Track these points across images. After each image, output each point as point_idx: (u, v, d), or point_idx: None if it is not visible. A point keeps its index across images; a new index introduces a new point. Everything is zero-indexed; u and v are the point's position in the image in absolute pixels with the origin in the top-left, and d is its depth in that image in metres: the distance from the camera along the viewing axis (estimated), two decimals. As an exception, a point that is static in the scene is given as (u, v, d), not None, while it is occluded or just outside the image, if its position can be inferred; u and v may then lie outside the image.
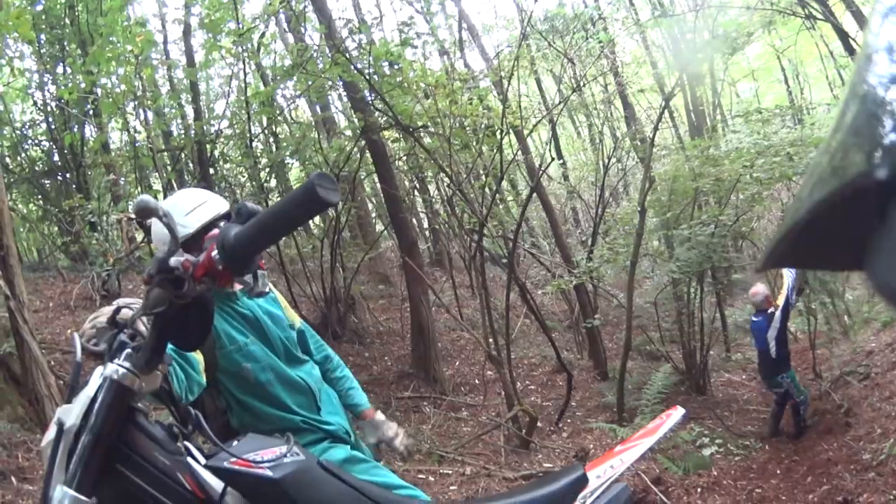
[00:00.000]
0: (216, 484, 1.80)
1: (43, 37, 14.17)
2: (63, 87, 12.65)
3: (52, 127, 15.02)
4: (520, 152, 14.12)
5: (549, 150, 15.95)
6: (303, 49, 10.96)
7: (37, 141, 15.89)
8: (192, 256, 1.67)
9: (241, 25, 11.12)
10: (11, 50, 13.71)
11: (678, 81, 14.69)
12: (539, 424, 9.51)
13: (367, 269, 15.68)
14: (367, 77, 9.82)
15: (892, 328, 11.04)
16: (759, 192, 10.55)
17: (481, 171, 11.85)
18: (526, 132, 13.57)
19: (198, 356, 2.61)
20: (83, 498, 1.60)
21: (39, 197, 15.59)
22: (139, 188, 15.30)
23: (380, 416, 3.33)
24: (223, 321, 2.91)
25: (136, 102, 13.41)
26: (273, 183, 15.39)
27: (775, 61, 24.88)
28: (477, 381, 11.95)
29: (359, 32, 10.55)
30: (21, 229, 15.35)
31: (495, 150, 10.53)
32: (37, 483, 5.46)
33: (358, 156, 12.24)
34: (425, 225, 20.80)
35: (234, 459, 1.83)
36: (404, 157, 13.93)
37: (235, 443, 1.94)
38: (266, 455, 1.87)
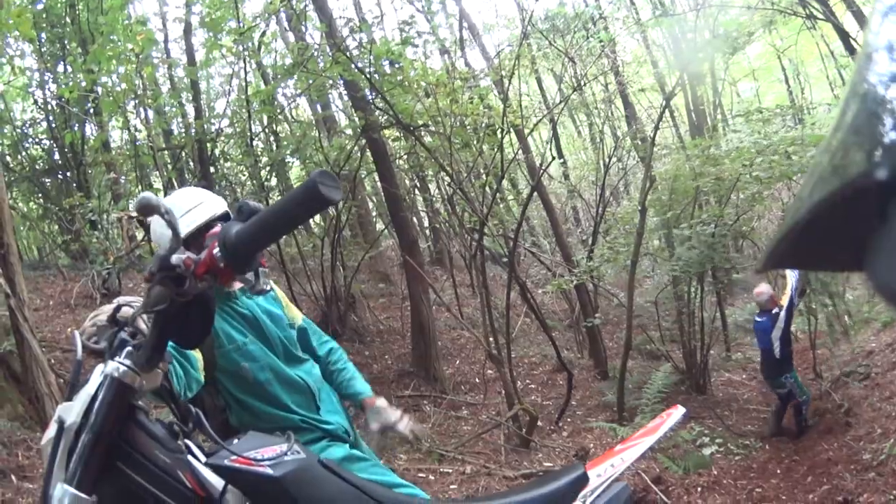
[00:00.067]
0: (217, 482, 1.80)
1: (44, 35, 14.17)
2: (64, 86, 12.63)
3: (53, 125, 15.02)
4: (520, 151, 14.13)
5: (550, 150, 15.96)
6: (303, 48, 10.96)
7: (37, 139, 15.90)
8: (193, 254, 1.67)
9: (241, 24, 11.12)
10: (12, 48, 13.70)
11: (679, 81, 14.69)
12: (539, 423, 9.51)
13: (367, 267, 15.67)
14: (368, 76, 9.82)
15: (893, 328, 11.05)
16: (760, 191, 10.55)
17: (482, 170, 11.85)
18: (527, 131, 13.57)
19: (196, 354, 2.61)
20: (83, 496, 1.60)
21: (40, 195, 15.59)
22: (140, 187, 15.29)
23: (382, 402, 3.28)
24: (222, 320, 2.91)
25: (137, 101, 13.41)
26: (274, 182, 15.38)
27: (776, 61, 24.86)
28: (477, 380, 11.95)
29: (359, 31, 10.55)
30: (21, 228, 15.36)
31: (496, 149, 10.53)
32: (37, 481, 5.46)
33: (358, 154, 12.23)
34: (426, 224, 20.80)
35: (234, 457, 1.82)
36: (405, 156, 13.93)
37: (236, 441, 1.94)
38: (267, 453, 1.86)
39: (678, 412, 3.13)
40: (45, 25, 13.99)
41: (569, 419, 10.32)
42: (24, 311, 6.33)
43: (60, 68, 14.68)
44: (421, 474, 7.43)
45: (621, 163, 19.01)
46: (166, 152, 15.20)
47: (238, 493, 1.81)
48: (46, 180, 15.54)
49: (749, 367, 12.87)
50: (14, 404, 6.66)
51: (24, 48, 14.18)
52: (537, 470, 7.79)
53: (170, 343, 1.83)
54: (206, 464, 1.82)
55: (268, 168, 14.43)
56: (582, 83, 15.75)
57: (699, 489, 7.31)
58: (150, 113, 14.53)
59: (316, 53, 10.96)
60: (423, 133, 11.10)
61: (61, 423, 1.68)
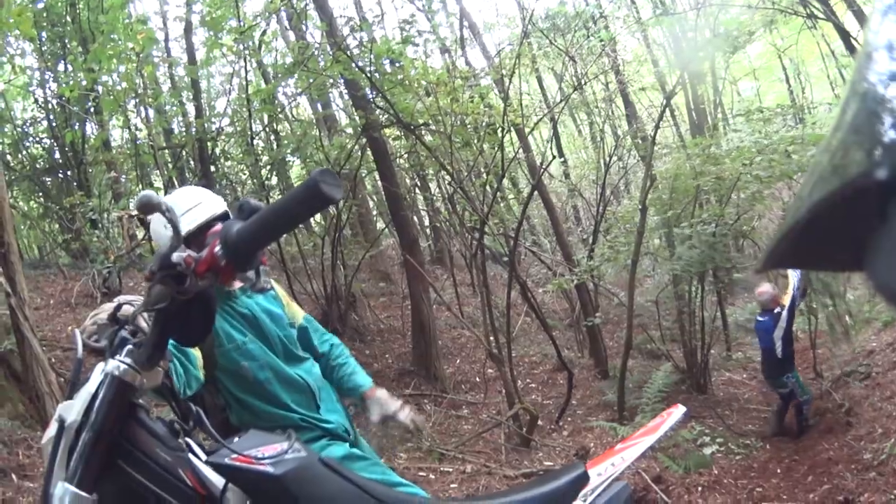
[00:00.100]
0: (217, 480, 1.80)
1: (44, 34, 14.18)
2: (64, 85, 12.63)
3: (54, 124, 15.03)
4: (521, 150, 14.12)
5: (551, 149, 15.95)
6: (304, 47, 10.95)
7: (38, 138, 15.92)
8: (194, 252, 1.67)
9: (242, 23, 11.12)
10: (13, 47, 13.70)
11: (679, 80, 14.69)
12: (540, 423, 9.51)
13: (367, 266, 15.67)
14: (369, 75, 9.82)
15: (893, 328, 11.04)
16: (760, 190, 10.54)
17: (482, 169, 11.84)
18: (527, 130, 13.56)
19: (196, 352, 2.62)
20: (84, 494, 1.60)
21: (40, 194, 15.60)
22: (140, 186, 15.32)
23: (383, 392, 3.26)
24: (222, 320, 2.91)
25: (138, 100, 13.42)
26: (274, 181, 15.40)
27: (776, 60, 24.89)
28: (478, 379, 11.95)
29: (360, 30, 10.55)
30: (22, 227, 15.38)
31: (496, 148, 10.53)
32: (37, 480, 5.46)
33: (359, 153, 12.23)
34: (426, 223, 20.81)
35: (235, 456, 1.82)
36: (405, 155, 13.94)
37: (237, 439, 1.94)
38: (267, 451, 1.86)
39: (679, 411, 3.13)
40: (45, 24, 14.00)
41: (569, 418, 10.32)
42: (24, 309, 6.33)
43: (61, 67, 14.69)
44: (421, 473, 7.43)
45: (622, 162, 19.02)
46: (167, 151, 15.21)
47: (239, 491, 1.81)
48: (47, 179, 15.56)
49: (750, 367, 12.86)
50: (14, 403, 6.66)
51: (24, 47, 14.20)
52: (538, 469, 7.79)
53: (170, 341, 1.84)
54: (206, 462, 1.82)
55: (268, 167, 14.43)
56: (582, 82, 15.74)
57: (700, 488, 7.31)
58: (151, 112, 14.55)
59: (316, 52, 10.96)
60: (423, 132, 11.10)
61: (62, 421, 1.68)
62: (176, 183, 13.52)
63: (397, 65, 10.70)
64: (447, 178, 12.18)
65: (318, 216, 14.26)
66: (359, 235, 16.01)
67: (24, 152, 15.50)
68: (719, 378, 12.54)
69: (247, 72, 12.04)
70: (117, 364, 1.72)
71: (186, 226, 2.78)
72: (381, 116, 10.96)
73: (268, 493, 1.83)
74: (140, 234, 10.64)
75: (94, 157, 14.33)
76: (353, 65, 9.72)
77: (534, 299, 11.84)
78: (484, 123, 11.62)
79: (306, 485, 1.87)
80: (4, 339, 6.87)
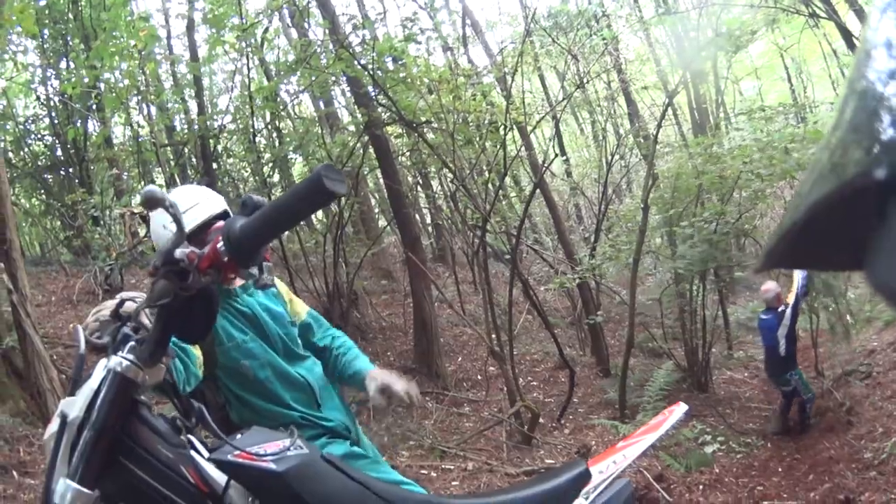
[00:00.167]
0: (219, 477, 1.80)
1: (46, 31, 14.20)
2: (66, 82, 12.67)
3: (56, 122, 15.06)
4: (523, 148, 14.11)
5: (553, 147, 15.94)
6: (306, 44, 10.95)
7: (40, 135, 15.94)
8: (196, 248, 1.67)
9: (244, 21, 11.12)
10: (15, 45, 13.72)
11: (682, 79, 14.68)
12: (541, 420, 9.51)
13: (369, 264, 15.68)
14: (371, 72, 9.82)
15: (894, 327, 11.05)
16: (762, 189, 10.55)
17: (484, 167, 11.84)
18: (529, 128, 13.54)
19: (196, 350, 2.62)
20: (86, 491, 1.59)
21: (42, 191, 15.63)
22: (142, 183, 15.29)
23: (381, 370, 3.25)
24: (222, 318, 2.90)
25: (140, 97, 13.45)
26: (276, 178, 15.41)
27: (779, 59, 24.92)
28: (479, 377, 11.95)
29: (362, 28, 10.54)
30: (24, 224, 15.40)
31: (499, 146, 10.54)
32: (38, 477, 5.47)
33: (361, 151, 12.23)
34: (428, 220, 20.78)
35: (237, 452, 1.82)
36: (408, 153, 13.94)
37: (239, 436, 1.94)
38: (269, 448, 1.86)
39: (680, 409, 3.13)
40: (47, 21, 14.03)
41: (571, 416, 10.32)
42: (26, 306, 6.34)
43: (63, 64, 14.73)
44: (423, 471, 7.43)
45: (624, 160, 19.03)
46: (169, 148, 15.24)
47: (241, 488, 1.81)
48: (49, 176, 15.58)
49: (751, 366, 12.87)
50: (16, 400, 6.66)
51: (26, 44, 14.24)
52: (539, 467, 7.78)
53: (172, 338, 1.84)
54: (208, 459, 1.82)
55: (270, 164, 14.44)
56: (585, 81, 15.72)
57: (701, 487, 7.32)
58: (153, 109, 14.59)
59: (319, 50, 10.96)
60: (425, 130, 11.11)
61: (64, 417, 1.68)
62: (178, 180, 13.55)
63: (400, 62, 10.71)
64: (449, 175, 12.19)
65: (320, 213, 14.28)
66: (361, 233, 16.00)
67: (27, 149, 15.53)
68: (720, 376, 12.54)
69: (249, 69, 12.06)
70: (120, 360, 1.72)
71: (186, 225, 2.78)
72: (383, 114, 10.96)
73: (270, 490, 1.83)
74: (142, 231, 10.66)
75: (96, 154, 14.35)
76: (356, 62, 9.72)
77: (535, 297, 11.84)
78: (486, 121, 11.62)
79: (308, 482, 1.87)
80: (6, 335, 6.87)
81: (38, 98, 15.59)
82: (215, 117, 13.42)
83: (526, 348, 13.66)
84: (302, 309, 3.31)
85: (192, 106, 15.19)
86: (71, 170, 14.96)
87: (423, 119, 10.69)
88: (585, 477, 2.42)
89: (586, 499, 2.41)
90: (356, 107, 12.40)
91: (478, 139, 11.25)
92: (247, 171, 15.63)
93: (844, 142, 0.44)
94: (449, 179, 13.66)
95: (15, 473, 5.59)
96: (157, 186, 1.76)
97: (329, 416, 3.04)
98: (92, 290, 11.40)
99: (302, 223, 13.10)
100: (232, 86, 13.57)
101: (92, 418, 1.66)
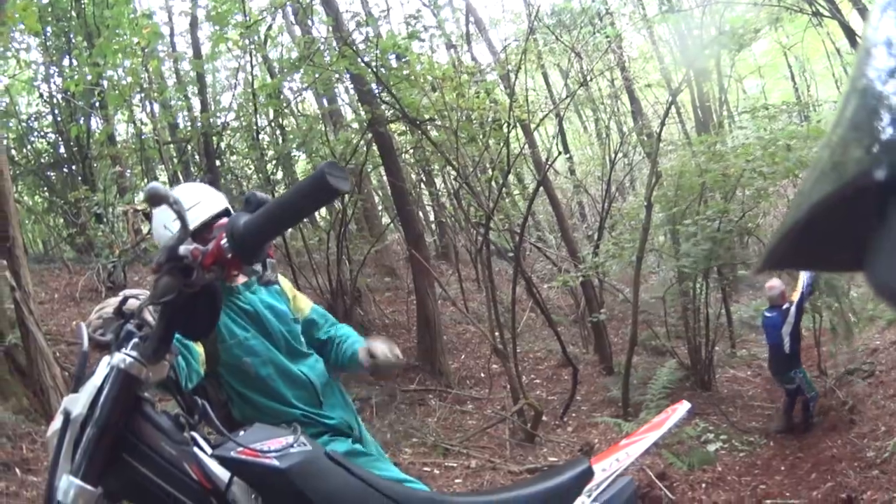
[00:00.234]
0: (222, 474, 1.80)
1: (49, 29, 14.22)
2: (69, 79, 12.67)
3: (59, 119, 15.08)
4: (526, 146, 14.10)
5: (556, 145, 16.02)
6: (310, 41, 10.95)
7: (43, 133, 15.96)
8: (200, 245, 1.67)
9: (247, 18, 11.12)
10: (18, 42, 13.74)
11: (685, 77, 14.69)
12: (544, 418, 9.51)
13: (373, 261, 15.68)
14: (374, 70, 9.82)
15: (897, 326, 11.05)
16: (765, 187, 10.55)
17: (488, 165, 11.85)
18: (533, 126, 13.55)
19: (198, 347, 2.63)
20: (89, 487, 1.60)
21: (45, 189, 15.65)
22: (145, 180, 15.33)
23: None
24: (224, 315, 2.89)
25: (143, 94, 13.48)
26: (279, 175, 15.41)
27: (782, 58, 24.91)
28: (482, 375, 11.95)
29: (366, 25, 10.54)
30: (27, 221, 15.41)
31: (502, 144, 10.53)
32: (41, 474, 5.47)
33: (364, 148, 12.23)
34: (431, 218, 20.76)
35: (240, 449, 1.83)
36: (411, 150, 13.93)
37: (242, 433, 1.95)
38: (273, 445, 1.86)
39: (683, 407, 3.12)
40: (50, 19, 14.05)
41: (574, 414, 10.32)
42: (29, 303, 6.35)
43: (66, 62, 14.74)
44: (426, 468, 7.44)
45: (627, 158, 19.06)
46: (172, 146, 15.25)
47: (244, 484, 1.81)
48: (52, 174, 15.60)
49: (754, 364, 12.85)
50: (19, 397, 6.66)
51: (29, 42, 14.26)
52: (542, 464, 7.79)
53: (175, 335, 1.84)
54: (212, 455, 1.83)
55: (274, 161, 14.45)
56: (588, 78, 15.71)
57: (703, 485, 7.32)
58: (156, 106, 14.58)
59: (322, 47, 10.96)
60: (429, 127, 11.10)
61: (67, 414, 1.68)
62: (181, 177, 13.56)
63: (403, 60, 10.71)
64: (453, 173, 12.16)
65: (323, 211, 14.29)
66: (364, 230, 16.00)
67: (29, 147, 15.55)
68: (723, 375, 12.53)
69: (252, 66, 12.07)
70: (123, 357, 1.73)
71: (191, 222, 2.78)
72: (386, 111, 10.98)
73: (273, 487, 1.84)
74: (145, 228, 10.69)
75: (100, 151, 14.38)
76: (359, 60, 9.72)
77: (539, 295, 11.84)
78: (490, 119, 11.60)
79: (311, 479, 1.87)
80: (9, 332, 6.87)
81: (41, 95, 15.61)
82: (218, 114, 13.42)
83: (529, 346, 13.65)
84: (306, 305, 3.31)
85: (196, 103, 15.22)
86: (74, 167, 14.98)
87: (427, 116, 10.69)
88: (588, 475, 2.42)
89: (589, 496, 2.41)
90: (359, 104, 12.41)
91: (481, 137, 11.23)
92: (250, 169, 15.64)
93: (845, 140, 0.44)
94: (452, 177, 13.62)
95: (18, 471, 5.60)
96: (160, 183, 1.76)
97: (331, 414, 3.05)
98: (95, 288, 11.40)
99: (305, 220, 13.08)
100: (235, 83, 13.57)
101: (95, 415, 1.66)
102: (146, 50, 11.62)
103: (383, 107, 10.83)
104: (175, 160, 14.66)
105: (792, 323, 9.39)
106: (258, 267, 1.75)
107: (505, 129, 10.35)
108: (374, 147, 12.11)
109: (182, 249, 1.65)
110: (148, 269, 12.23)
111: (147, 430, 1.75)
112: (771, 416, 10.14)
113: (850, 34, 11.29)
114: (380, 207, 18.34)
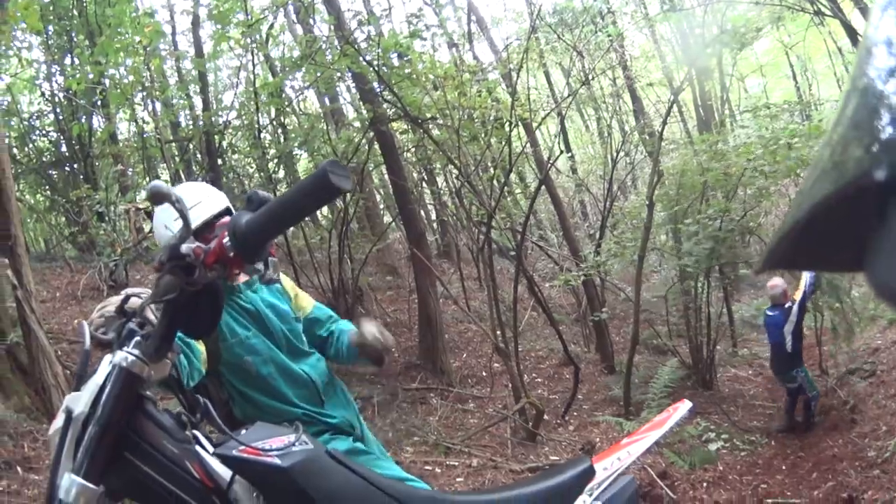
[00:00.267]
0: (224, 472, 1.80)
1: (51, 27, 14.22)
2: (71, 78, 12.67)
3: (60, 117, 15.08)
4: (528, 145, 14.09)
5: (558, 143, 15.98)
6: (311, 40, 10.94)
7: (44, 131, 15.97)
8: (202, 244, 1.67)
9: (249, 16, 11.11)
10: (19, 41, 13.73)
11: (687, 76, 14.69)
12: (546, 417, 9.51)
13: (374, 260, 15.68)
14: (376, 69, 9.81)
15: (898, 326, 11.05)
16: (766, 186, 10.55)
17: (490, 164, 11.84)
18: (535, 125, 13.55)
19: (199, 346, 2.63)
20: (91, 486, 1.60)
21: (47, 187, 15.64)
22: (147, 178, 15.34)
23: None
24: (225, 314, 2.90)
25: (145, 93, 13.47)
26: (281, 174, 15.40)
27: (784, 57, 24.92)
28: (484, 374, 11.95)
29: (368, 24, 10.55)
30: (28, 219, 15.42)
31: (504, 143, 10.52)
32: (42, 473, 5.47)
33: (366, 147, 12.22)
34: (433, 217, 20.74)
35: (242, 447, 1.83)
36: (413, 149, 13.91)
37: (244, 431, 1.95)
38: (274, 443, 1.87)
39: (685, 406, 3.12)
40: (52, 18, 14.04)
41: (575, 413, 10.32)
42: (31, 302, 6.35)
43: (68, 60, 14.73)
44: (427, 467, 7.44)
45: (629, 157, 19.03)
46: (174, 144, 15.24)
47: (246, 483, 1.82)
48: (53, 172, 15.60)
49: (755, 363, 12.86)
50: (20, 396, 6.66)
51: (31, 40, 14.24)
52: (544, 463, 7.79)
53: (177, 333, 1.84)
54: (214, 454, 1.83)
55: (275, 160, 14.46)
56: (590, 77, 15.70)
57: (705, 484, 7.32)
58: (158, 105, 14.56)
59: (324, 46, 10.95)
60: (431, 126, 11.08)
61: (69, 412, 1.68)
62: (183, 176, 13.56)
63: (405, 59, 10.69)
64: (454, 172, 12.16)
65: (325, 209, 14.29)
66: (366, 229, 15.99)
67: (31, 145, 15.56)
68: (725, 374, 12.54)
69: (254, 65, 12.04)
70: (125, 356, 1.73)
71: (193, 221, 2.78)
72: (388, 110, 10.96)
73: (275, 485, 1.84)
74: (147, 227, 10.69)
75: (101, 150, 14.38)
76: (361, 58, 9.71)
77: (540, 294, 11.85)
78: (491, 118, 11.59)
79: (313, 477, 1.87)
80: (11, 331, 6.87)
81: (42, 94, 15.61)
82: (220, 113, 13.40)
83: (531, 345, 13.65)
84: (308, 303, 3.31)
85: (197, 102, 15.20)
86: (76, 166, 14.98)
87: (429, 115, 10.67)
88: (589, 473, 2.43)
89: (590, 495, 2.41)
90: (361, 103, 12.41)
91: (483, 135, 11.21)
92: (252, 167, 15.66)
93: (846, 139, 0.44)
94: (454, 176, 13.62)
95: (19, 469, 5.59)
96: (162, 182, 1.76)
97: (333, 413, 3.05)
98: (97, 286, 11.41)
99: (307, 219, 13.08)
100: (237, 82, 13.58)
101: (97, 414, 1.66)
102: (148, 48, 11.59)
103: (385, 105, 10.82)
104: (177, 159, 14.66)
105: (794, 321, 9.38)
106: (260, 266, 1.75)
107: (507, 128, 10.34)
108: (376, 146, 12.09)
109: (184, 248, 1.65)
110: (150, 267, 12.27)
111: (149, 429, 1.75)
112: (772, 415, 10.15)
113: (852, 33, 11.28)
114: (381, 206, 18.35)
